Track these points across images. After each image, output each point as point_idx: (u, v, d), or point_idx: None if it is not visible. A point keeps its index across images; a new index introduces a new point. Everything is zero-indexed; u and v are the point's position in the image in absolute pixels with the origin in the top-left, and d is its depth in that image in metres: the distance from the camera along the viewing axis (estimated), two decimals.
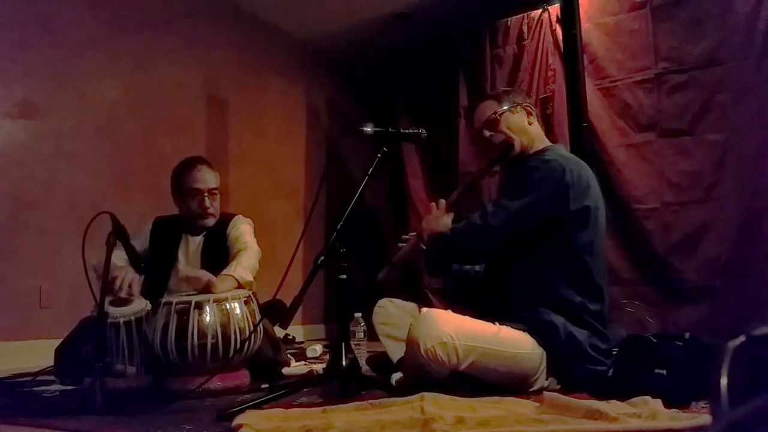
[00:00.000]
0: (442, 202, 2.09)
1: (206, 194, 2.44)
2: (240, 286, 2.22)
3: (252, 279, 2.29)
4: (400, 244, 2.20)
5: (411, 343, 1.75)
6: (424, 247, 2.05)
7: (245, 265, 2.30)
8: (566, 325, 1.82)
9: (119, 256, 2.13)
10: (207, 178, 2.45)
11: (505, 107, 2.07)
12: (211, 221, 2.48)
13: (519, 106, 2.09)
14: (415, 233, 2.16)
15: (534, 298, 1.87)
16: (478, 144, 2.17)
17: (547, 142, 2.12)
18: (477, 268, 2.19)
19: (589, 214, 1.90)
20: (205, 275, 2.14)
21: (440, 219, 2.05)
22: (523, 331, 1.81)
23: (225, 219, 2.54)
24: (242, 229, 2.49)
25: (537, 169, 1.93)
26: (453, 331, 1.71)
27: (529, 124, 2.09)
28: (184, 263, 2.47)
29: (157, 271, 2.44)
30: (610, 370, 1.85)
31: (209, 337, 1.99)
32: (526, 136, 2.06)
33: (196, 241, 2.52)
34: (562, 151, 2.07)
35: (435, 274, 2.23)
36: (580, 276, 1.89)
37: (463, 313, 1.83)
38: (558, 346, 1.80)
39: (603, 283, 1.94)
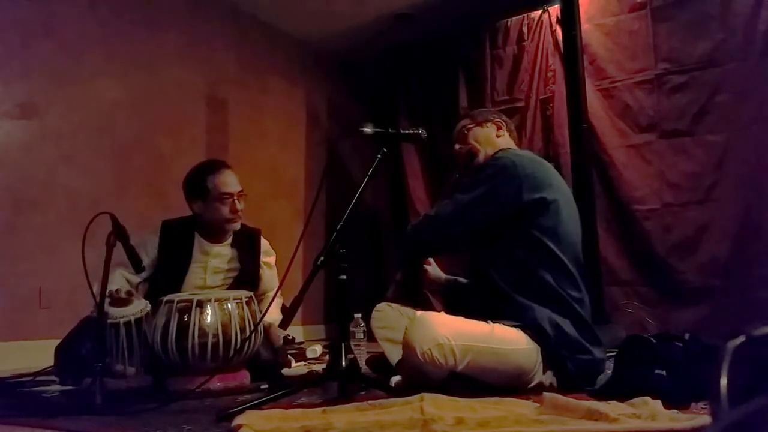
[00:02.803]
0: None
1: (236, 198, 2.42)
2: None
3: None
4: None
5: (407, 347, 1.75)
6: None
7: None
8: (552, 317, 1.82)
9: (119, 278, 2.20)
10: (235, 181, 2.44)
11: (476, 122, 2.18)
12: (238, 225, 2.47)
13: (490, 122, 2.19)
14: None
15: (512, 285, 1.88)
16: (454, 158, 2.26)
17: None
18: None
19: (546, 205, 1.92)
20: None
21: None
22: (516, 327, 1.81)
23: (252, 233, 2.57)
24: (272, 273, 2.60)
25: (488, 166, 2.01)
26: (448, 332, 1.72)
27: (498, 136, 2.17)
28: (203, 274, 2.43)
29: (167, 278, 2.37)
30: (604, 364, 1.86)
31: (210, 336, 1.99)
32: (491, 146, 2.14)
33: (223, 252, 2.47)
34: (518, 151, 2.14)
35: (405, 264, 2.37)
36: (550, 260, 1.89)
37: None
38: (549, 341, 1.80)
39: (579, 272, 1.94)
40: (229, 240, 2.49)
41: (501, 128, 2.19)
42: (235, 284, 2.43)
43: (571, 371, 1.81)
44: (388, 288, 2.29)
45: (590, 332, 1.89)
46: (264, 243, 2.61)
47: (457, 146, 2.20)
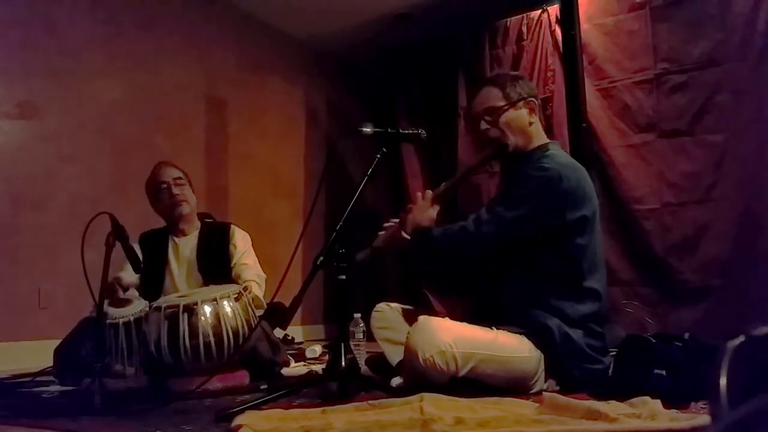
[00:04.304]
0: (429, 192, 2.04)
1: (172, 183, 2.49)
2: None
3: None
4: (381, 233, 2.18)
5: (409, 352, 1.74)
6: (406, 236, 1.99)
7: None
8: (561, 326, 1.81)
9: (128, 272, 2.27)
10: (168, 171, 2.54)
11: (510, 101, 1.98)
12: (185, 208, 2.52)
13: (523, 103, 1.99)
14: (397, 221, 2.10)
15: (527, 303, 1.87)
16: (474, 132, 2.09)
17: (545, 140, 2.05)
18: None
19: (584, 223, 1.88)
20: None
21: (425, 211, 2.00)
22: (520, 334, 1.81)
23: (221, 227, 2.62)
24: (246, 250, 2.56)
25: (534, 178, 1.88)
26: (451, 339, 1.71)
27: (530, 123, 2.00)
28: (176, 267, 2.51)
29: (151, 277, 2.47)
30: (609, 370, 1.85)
31: (201, 337, 1.96)
32: (523, 136, 1.99)
33: (189, 245, 2.54)
34: (560, 154, 2.00)
35: (408, 264, 2.21)
36: (574, 282, 1.87)
37: (461, 318, 1.84)
38: (555, 348, 1.80)
39: (599, 285, 1.92)
40: (196, 232, 2.57)
41: (534, 111, 2.00)
42: (203, 275, 2.46)
43: (576, 378, 1.80)
44: (362, 251, 2.17)
45: (602, 342, 1.89)
46: (239, 232, 2.61)
47: (483, 125, 2.00)
